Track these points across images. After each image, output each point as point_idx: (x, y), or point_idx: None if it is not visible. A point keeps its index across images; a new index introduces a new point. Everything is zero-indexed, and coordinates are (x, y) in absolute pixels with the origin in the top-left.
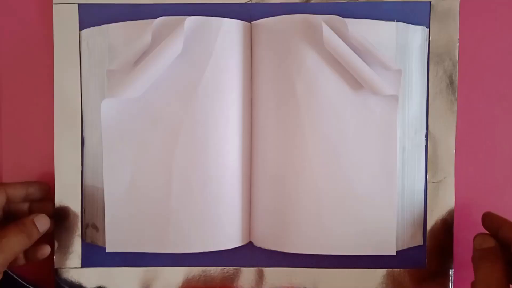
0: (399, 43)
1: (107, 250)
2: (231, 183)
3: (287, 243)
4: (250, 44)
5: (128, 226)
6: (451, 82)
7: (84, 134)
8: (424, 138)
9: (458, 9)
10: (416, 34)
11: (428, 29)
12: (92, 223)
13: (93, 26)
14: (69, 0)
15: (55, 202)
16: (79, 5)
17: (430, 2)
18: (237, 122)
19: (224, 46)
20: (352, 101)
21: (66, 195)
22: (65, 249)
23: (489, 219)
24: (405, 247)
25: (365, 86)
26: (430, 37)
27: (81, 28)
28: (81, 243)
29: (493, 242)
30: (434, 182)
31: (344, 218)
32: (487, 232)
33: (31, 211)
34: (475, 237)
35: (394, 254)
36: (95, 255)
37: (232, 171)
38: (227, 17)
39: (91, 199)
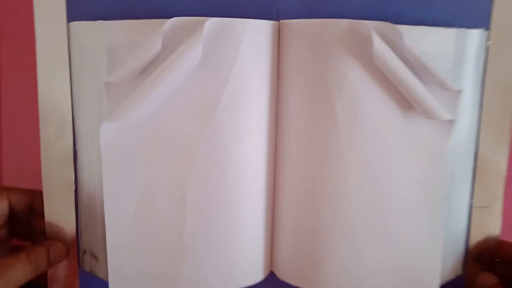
0: (457, 52)
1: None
2: (253, 213)
3: (314, 281)
4: (278, 48)
5: (134, 262)
6: (509, 96)
7: (77, 147)
8: (472, 159)
9: None
10: (474, 40)
11: (487, 31)
12: (91, 251)
13: (85, 19)
14: None
15: (45, 221)
16: None
17: (492, 0)
18: (261, 144)
19: (249, 53)
20: (400, 124)
21: (58, 215)
22: (59, 278)
23: (505, 248)
24: (445, 280)
25: (417, 109)
26: (489, 40)
27: (70, 19)
28: (78, 271)
29: (495, 279)
30: (480, 208)
31: (382, 253)
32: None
33: (35, 227)
34: (477, 277)
35: None
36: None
37: (256, 200)
38: (249, 12)
39: (88, 220)
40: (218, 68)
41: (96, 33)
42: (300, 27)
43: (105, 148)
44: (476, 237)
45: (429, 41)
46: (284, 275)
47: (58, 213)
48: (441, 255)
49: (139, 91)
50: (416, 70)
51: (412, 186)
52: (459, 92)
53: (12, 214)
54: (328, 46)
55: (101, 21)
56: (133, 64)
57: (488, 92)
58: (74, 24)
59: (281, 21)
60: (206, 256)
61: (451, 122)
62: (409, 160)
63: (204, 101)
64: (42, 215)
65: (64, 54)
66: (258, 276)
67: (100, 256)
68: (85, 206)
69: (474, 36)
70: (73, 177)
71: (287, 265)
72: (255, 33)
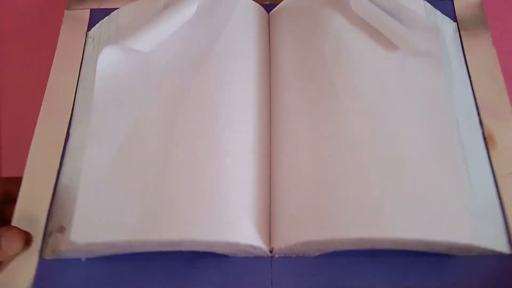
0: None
1: (71, 238)
2: (245, 162)
3: (333, 227)
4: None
5: (106, 210)
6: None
7: (71, 129)
8: (479, 127)
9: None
10: (445, 23)
11: (456, 23)
12: (59, 226)
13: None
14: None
15: (16, 207)
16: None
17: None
18: (253, 91)
19: (243, 12)
20: (388, 61)
21: (32, 200)
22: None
23: None
24: (488, 246)
25: (401, 45)
26: (460, 31)
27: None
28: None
29: None
30: (503, 175)
31: (398, 191)
32: None
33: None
34: None
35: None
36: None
37: (247, 145)
38: None
39: (61, 203)
40: (212, 23)
41: (109, 23)
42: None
43: (100, 81)
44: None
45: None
46: (288, 237)
47: (33, 197)
48: (468, 196)
49: (140, 28)
50: (393, 15)
51: (414, 120)
52: (436, 29)
53: None
54: (310, 5)
55: (115, 11)
56: (138, 21)
57: (473, 69)
58: (92, 30)
59: (271, 13)
60: (188, 203)
61: (437, 57)
62: (406, 93)
63: (198, 52)
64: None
65: (78, 54)
66: (250, 237)
67: (67, 227)
68: (62, 190)
69: (444, 19)
70: (60, 160)
71: (293, 223)
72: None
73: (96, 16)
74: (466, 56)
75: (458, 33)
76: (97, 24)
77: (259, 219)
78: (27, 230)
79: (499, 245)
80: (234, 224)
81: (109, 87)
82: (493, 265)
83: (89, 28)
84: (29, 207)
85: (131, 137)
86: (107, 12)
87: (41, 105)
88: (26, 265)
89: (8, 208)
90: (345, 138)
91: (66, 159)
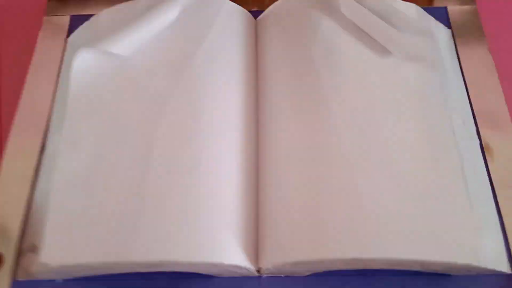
0: (421, 29)
1: (42, 260)
2: (230, 174)
3: (322, 247)
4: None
5: (79, 228)
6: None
7: (47, 142)
8: (475, 133)
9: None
10: (439, 29)
11: (450, 29)
12: (32, 245)
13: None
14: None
15: None
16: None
17: (446, 8)
18: (239, 96)
19: (228, 16)
20: (380, 66)
21: (4, 217)
22: None
23: None
24: (488, 265)
25: (392, 49)
26: (455, 38)
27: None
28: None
29: None
30: (502, 189)
31: (391, 208)
32: None
33: None
34: None
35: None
36: None
37: (232, 157)
38: None
39: (36, 218)
40: (195, 28)
41: (87, 28)
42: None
43: (75, 85)
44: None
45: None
46: (275, 257)
47: (5, 214)
48: (467, 213)
49: (120, 29)
50: (383, 19)
51: (408, 130)
52: (428, 32)
53: None
54: (298, 8)
55: (94, 16)
56: (118, 25)
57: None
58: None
59: (258, 19)
60: (168, 219)
61: (430, 60)
62: (399, 100)
63: (180, 56)
64: None
65: (56, 60)
66: (235, 255)
67: (40, 246)
68: (37, 204)
69: (437, 24)
70: (33, 172)
71: (281, 242)
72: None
73: (77, 22)
74: (462, 65)
75: (453, 39)
76: (76, 30)
77: (245, 237)
78: None
79: (499, 264)
80: (217, 243)
81: (84, 92)
82: (493, 285)
83: (68, 35)
84: (1, 225)
85: (106, 148)
86: (88, 18)
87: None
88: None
89: None
90: (335, 152)
91: (40, 173)
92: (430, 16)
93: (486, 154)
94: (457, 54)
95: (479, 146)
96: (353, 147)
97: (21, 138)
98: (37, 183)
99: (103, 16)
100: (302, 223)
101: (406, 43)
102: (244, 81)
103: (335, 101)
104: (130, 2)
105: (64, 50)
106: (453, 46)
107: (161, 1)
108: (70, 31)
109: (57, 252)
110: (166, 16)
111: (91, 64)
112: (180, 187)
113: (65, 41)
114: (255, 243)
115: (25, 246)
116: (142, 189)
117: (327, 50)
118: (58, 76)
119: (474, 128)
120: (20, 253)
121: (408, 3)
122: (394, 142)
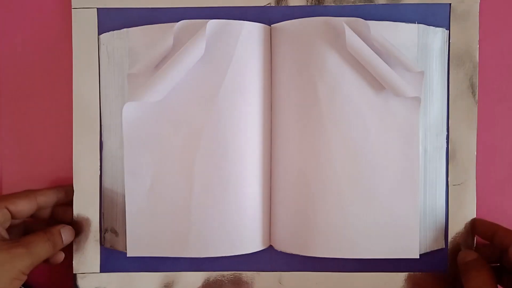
0: (420, 45)
1: (128, 255)
2: (252, 187)
3: (309, 247)
4: (270, 47)
5: (148, 230)
6: (472, 84)
7: (103, 138)
8: (445, 141)
9: (478, 11)
10: (436, 36)
11: (448, 31)
12: (111, 228)
13: (113, 30)
14: (88, 4)
15: (73, 207)
16: (98, 9)
17: (450, 4)
18: (257, 125)
19: (245, 49)
20: (374, 103)
21: (85, 200)
22: (83, 254)
23: (482, 226)
24: (428, 250)
25: (388, 88)
26: (451, 39)
27: (100, 32)
28: (100, 248)
29: (475, 254)
30: (456, 185)
31: (367, 221)
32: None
33: (53, 216)
34: (458, 255)
35: (417, 257)
36: (114, 260)
37: (253, 174)
38: (246, 20)
39: (110, 204)
40: (218, 61)
41: (119, 39)
42: (286, 26)
43: (126, 128)
44: (454, 212)
45: (394, 34)
46: (280, 245)
47: (85, 197)
48: (418, 222)
49: (153, 78)
50: (384, 56)
51: (389, 158)
52: (421, 73)
53: (39, 209)
54: (308, 40)
55: (124, 29)
56: (150, 58)
57: (453, 83)
58: (103, 36)
59: (272, 25)
60: (209, 224)
61: (418, 99)
62: (385, 134)
63: (208, 89)
64: (57, 205)
65: (95, 61)
66: (256, 246)
67: (119, 232)
68: (107, 192)
69: (436, 33)
70: (99, 165)
71: (284, 237)
72: (249, 32)
73: (104, 17)
74: (450, 69)
75: (448, 42)
76: (107, 33)
77: (263, 227)
78: (85, 225)
79: (438, 245)
80: (242, 240)
81: (135, 131)
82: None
83: (99, 29)
84: (83, 210)
85: (159, 173)
86: (113, 12)
87: (57, 110)
88: (93, 251)
89: (60, 210)
90: (328, 173)
91: (104, 164)
92: (429, 27)
93: (450, 157)
94: (448, 57)
95: (445, 152)
96: (344, 171)
97: (81, 136)
98: (103, 175)
99: (134, 33)
100: (296, 225)
101: (399, 83)
102: (263, 110)
103: (334, 133)
104: (161, 25)
105: (98, 48)
106: (446, 50)
107: (190, 36)
108: (99, 26)
109: (137, 248)
110: (194, 56)
111: (136, 108)
112: (215, 201)
113: (98, 39)
114: (268, 230)
115: (107, 225)
116: (188, 202)
117: (332, 87)
118: (99, 72)
119: (445, 134)
120: (103, 230)
121: (410, 24)
122: (376, 169)
